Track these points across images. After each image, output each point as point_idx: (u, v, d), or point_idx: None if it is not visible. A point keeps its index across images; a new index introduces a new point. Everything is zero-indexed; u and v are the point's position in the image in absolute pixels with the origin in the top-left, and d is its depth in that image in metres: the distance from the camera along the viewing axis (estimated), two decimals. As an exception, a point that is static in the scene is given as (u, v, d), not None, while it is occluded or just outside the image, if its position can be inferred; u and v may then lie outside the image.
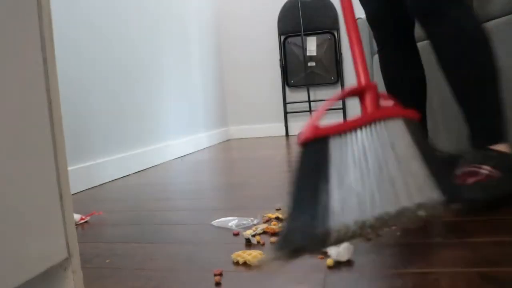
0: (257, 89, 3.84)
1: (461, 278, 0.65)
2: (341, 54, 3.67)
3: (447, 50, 1.05)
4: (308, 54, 3.66)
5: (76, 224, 1.09)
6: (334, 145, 0.60)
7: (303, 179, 0.60)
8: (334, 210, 0.56)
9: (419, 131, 0.64)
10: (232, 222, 1.04)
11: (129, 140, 2.15)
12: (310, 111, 3.58)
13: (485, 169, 0.98)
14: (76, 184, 1.68)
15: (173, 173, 2.06)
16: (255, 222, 1.04)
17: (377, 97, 0.67)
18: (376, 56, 2.00)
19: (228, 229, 1.01)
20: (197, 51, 3.26)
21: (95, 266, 0.84)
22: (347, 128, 0.62)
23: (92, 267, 0.84)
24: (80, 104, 1.79)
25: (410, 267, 0.71)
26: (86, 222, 1.20)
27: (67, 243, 0.57)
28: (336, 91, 3.70)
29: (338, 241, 0.55)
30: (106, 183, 1.87)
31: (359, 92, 0.68)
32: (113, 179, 1.94)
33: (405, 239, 0.84)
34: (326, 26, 3.64)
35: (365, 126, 0.62)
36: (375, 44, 2.01)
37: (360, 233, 0.55)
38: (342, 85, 3.67)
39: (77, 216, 1.18)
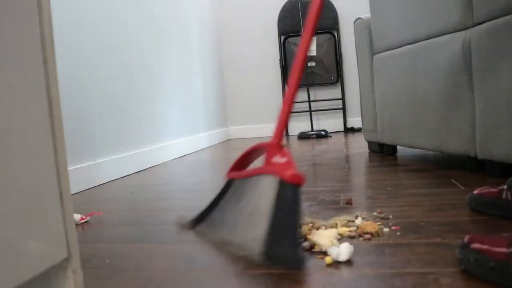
0: (257, 89, 3.84)
1: (461, 278, 0.65)
2: (341, 54, 3.67)
3: None
4: (308, 54, 3.66)
5: (76, 224, 1.09)
6: (233, 184, 0.95)
7: (217, 200, 0.98)
8: (205, 221, 0.98)
9: (290, 193, 0.76)
10: (232, 222, 1.04)
11: (129, 140, 2.15)
12: (310, 111, 3.58)
13: None
14: (76, 184, 1.68)
15: (173, 173, 2.06)
16: (255, 222, 1.03)
17: (272, 154, 0.85)
18: (376, 57, 1.99)
19: (228, 229, 1.01)
20: (197, 51, 3.26)
21: (95, 266, 0.84)
22: (242, 175, 0.93)
23: (92, 267, 0.84)
24: (80, 104, 1.79)
25: (410, 267, 0.71)
26: (86, 222, 1.20)
27: (67, 243, 0.57)
28: (336, 91, 3.70)
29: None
30: (106, 183, 1.87)
31: (264, 148, 0.90)
32: (113, 179, 1.94)
33: (405, 239, 0.84)
34: (326, 26, 3.64)
35: (253, 176, 0.88)
36: (375, 45, 2.01)
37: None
38: (342, 85, 3.67)
39: (77, 216, 1.18)
